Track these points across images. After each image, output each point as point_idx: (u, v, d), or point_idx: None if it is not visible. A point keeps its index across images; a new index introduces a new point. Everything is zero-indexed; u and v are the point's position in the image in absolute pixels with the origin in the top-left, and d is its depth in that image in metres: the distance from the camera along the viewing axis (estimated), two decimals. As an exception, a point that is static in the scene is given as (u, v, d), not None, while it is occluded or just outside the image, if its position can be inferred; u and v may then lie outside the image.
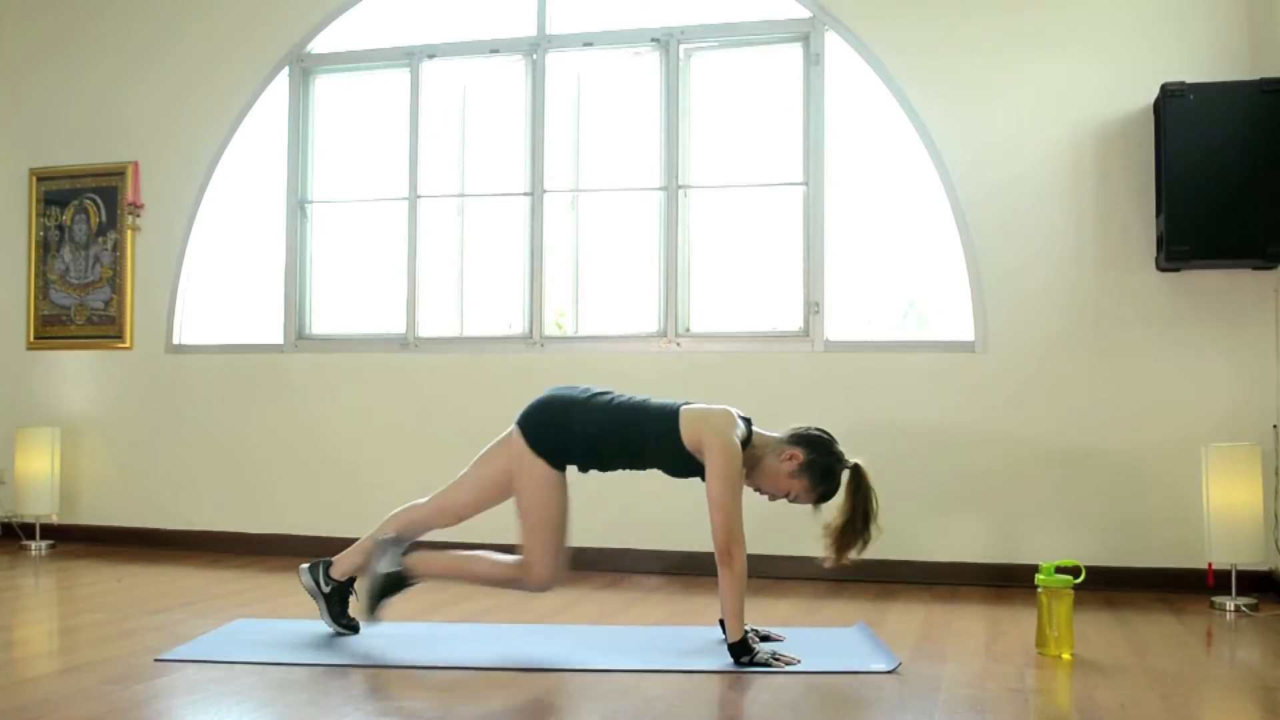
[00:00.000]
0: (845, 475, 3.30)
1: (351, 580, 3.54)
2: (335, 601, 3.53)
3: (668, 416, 3.32)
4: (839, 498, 3.30)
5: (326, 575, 3.53)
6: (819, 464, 3.30)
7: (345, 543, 3.66)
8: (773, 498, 3.39)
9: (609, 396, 3.43)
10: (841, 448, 3.35)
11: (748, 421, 3.36)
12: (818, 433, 3.35)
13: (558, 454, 3.36)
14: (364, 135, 5.68)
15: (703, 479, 3.27)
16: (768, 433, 3.39)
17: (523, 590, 3.48)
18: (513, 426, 3.43)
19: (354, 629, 3.52)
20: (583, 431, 3.34)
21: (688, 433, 3.28)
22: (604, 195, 5.35)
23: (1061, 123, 4.70)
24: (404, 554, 3.44)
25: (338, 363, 5.53)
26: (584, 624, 3.89)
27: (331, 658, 3.28)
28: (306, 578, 3.55)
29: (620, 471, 3.46)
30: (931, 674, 3.15)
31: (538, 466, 3.35)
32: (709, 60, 5.24)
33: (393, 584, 3.41)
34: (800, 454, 3.30)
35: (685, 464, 3.32)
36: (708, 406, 3.37)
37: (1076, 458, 4.61)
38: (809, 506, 3.36)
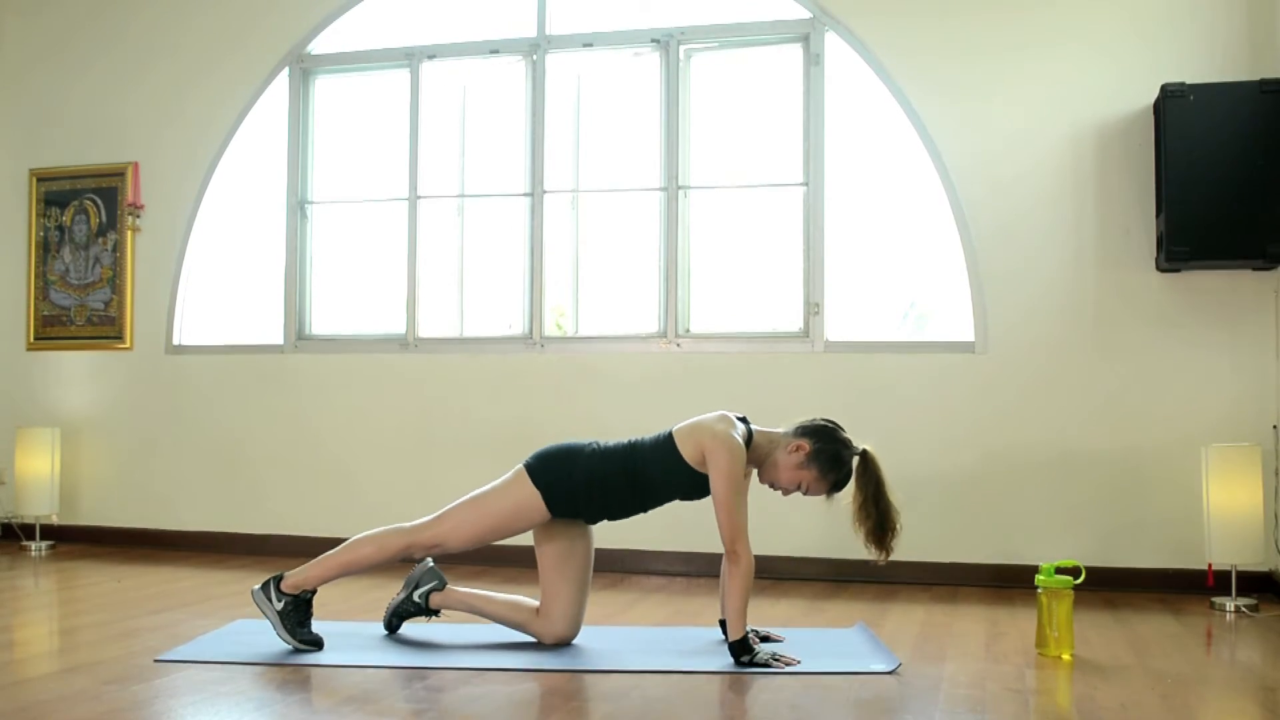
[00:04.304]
0: (855, 462, 3.30)
1: (309, 594, 3.37)
2: (289, 615, 3.33)
3: (664, 443, 3.33)
4: (850, 487, 3.30)
5: (278, 590, 3.34)
6: (826, 452, 3.29)
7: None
8: (786, 492, 3.37)
9: (606, 444, 3.42)
10: (849, 435, 3.35)
11: (745, 421, 3.35)
12: (824, 422, 3.35)
13: (558, 491, 3.33)
14: (364, 136, 5.68)
15: None
16: (771, 429, 3.38)
17: (533, 636, 3.49)
18: (517, 468, 3.43)
19: (317, 644, 3.33)
20: (587, 475, 3.34)
21: (687, 447, 3.28)
22: (604, 196, 5.35)
23: (1061, 123, 4.70)
24: (432, 590, 3.57)
25: (338, 363, 5.53)
26: (584, 624, 3.88)
27: (330, 658, 3.27)
28: (258, 595, 3.37)
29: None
30: (931, 674, 3.15)
31: (535, 503, 3.34)
32: (709, 61, 5.24)
33: (418, 611, 3.58)
34: (807, 444, 3.29)
35: (696, 483, 3.31)
36: (699, 417, 3.36)
37: (1076, 458, 4.61)
38: (823, 499, 3.35)
